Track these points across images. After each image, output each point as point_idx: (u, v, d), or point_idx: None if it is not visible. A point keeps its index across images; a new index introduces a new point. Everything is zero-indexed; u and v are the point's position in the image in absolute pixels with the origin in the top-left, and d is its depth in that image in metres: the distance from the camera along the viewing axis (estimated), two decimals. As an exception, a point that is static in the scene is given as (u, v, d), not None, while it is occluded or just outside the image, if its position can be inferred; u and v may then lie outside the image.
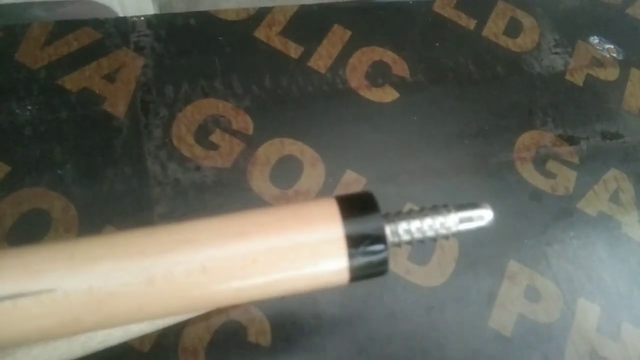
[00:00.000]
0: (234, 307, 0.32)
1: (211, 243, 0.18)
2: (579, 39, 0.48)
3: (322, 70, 0.41)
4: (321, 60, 0.42)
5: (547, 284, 0.36)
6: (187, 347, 0.31)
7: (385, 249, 0.18)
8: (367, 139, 0.39)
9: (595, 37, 0.48)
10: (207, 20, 0.42)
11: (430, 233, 0.19)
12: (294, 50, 0.42)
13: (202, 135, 0.37)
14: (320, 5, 0.44)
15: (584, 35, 0.48)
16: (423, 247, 0.36)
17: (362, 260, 0.18)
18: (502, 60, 0.45)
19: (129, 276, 0.17)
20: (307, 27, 0.43)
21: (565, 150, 0.42)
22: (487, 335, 0.34)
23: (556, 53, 0.46)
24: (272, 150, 0.37)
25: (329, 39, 0.43)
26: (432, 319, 0.34)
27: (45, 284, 0.17)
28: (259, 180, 0.36)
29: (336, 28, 0.43)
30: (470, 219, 0.19)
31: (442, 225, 0.19)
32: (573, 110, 0.44)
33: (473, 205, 0.19)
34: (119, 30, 0.40)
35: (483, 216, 0.19)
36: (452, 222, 0.19)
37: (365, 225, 0.18)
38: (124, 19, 0.41)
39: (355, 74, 0.42)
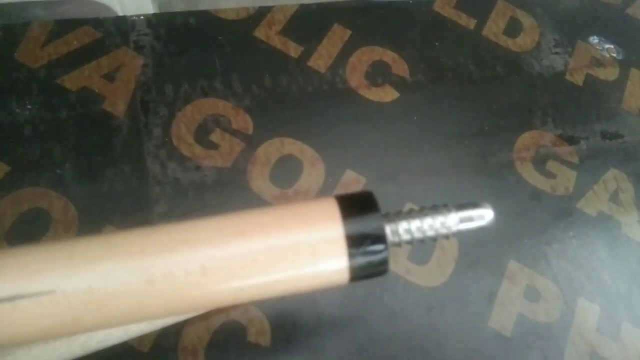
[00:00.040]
0: (234, 307, 0.32)
1: (211, 243, 0.18)
2: (578, 39, 0.48)
3: (322, 70, 0.41)
4: (321, 59, 0.42)
5: (547, 284, 0.36)
6: (186, 346, 0.31)
7: (386, 249, 0.18)
8: (367, 139, 0.39)
9: (595, 37, 0.48)
10: (207, 20, 0.42)
11: (430, 233, 0.19)
12: (293, 49, 0.42)
13: (202, 134, 0.37)
14: (320, 5, 0.44)
15: (583, 35, 0.48)
16: (423, 247, 0.36)
17: (362, 260, 0.18)
18: (502, 60, 0.45)
19: (129, 276, 0.17)
20: (307, 26, 0.43)
21: (565, 150, 0.42)
22: (487, 335, 0.34)
23: (556, 53, 0.46)
24: (271, 149, 0.37)
25: (329, 38, 0.43)
26: (432, 318, 0.34)
27: (44, 285, 0.17)
28: (259, 180, 0.36)
29: (336, 27, 0.43)
30: (470, 219, 0.19)
31: (442, 224, 0.19)
32: (573, 110, 0.44)
33: (473, 204, 0.19)
34: (119, 30, 0.40)
35: (483, 216, 0.19)
36: (453, 221, 0.19)
37: (366, 224, 0.18)
38: (124, 18, 0.41)
39: (355, 74, 0.42)
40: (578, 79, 0.45)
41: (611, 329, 0.36)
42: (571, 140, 0.42)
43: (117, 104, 0.37)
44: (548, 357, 0.34)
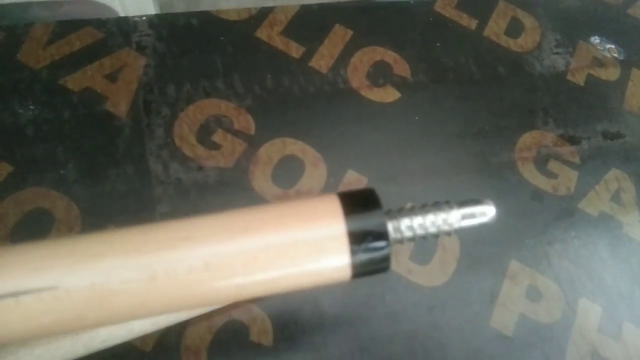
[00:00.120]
0: (236, 306, 0.32)
1: (213, 239, 0.18)
2: (580, 39, 0.48)
3: (324, 70, 0.41)
4: (322, 60, 0.42)
5: (549, 284, 0.36)
6: (189, 346, 0.31)
7: (388, 245, 0.18)
8: (368, 139, 0.39)
9: (597, 37, 0.48)
10: (209, 20, 0.42)
11: (432, 229, 0.19)
12: (295, 50, 0.42)
13: (204, 135, 0.37)
14: (321, 5, 0.44)
15: (585, 35, 0.48)
16: (425, 247, 0.36)
17: (364, 256, 0.18)
18: (503, 60, 0.45)
19: (131, 273, 0.17)
20: (308, 27, 0.43)
21: (566, 150, 0.42)
22: (488, 335, 0.34)
23: (557, 53, 0.46)
24: (273, 150, 0.38)
25: (330, 39, 0.43)
26: (434, 318, 0.34)
27: (47, 281, 0.17)
28: (261, 180, 0.36)
29: (337, 28, 0.43)
30: (472, 215, 0.19)
31: (444, 221, 0.19)
32: (574, 110, 0.44)
33: (475, 201, 0.19)
34: (121, 30, 0.40)
35: (485, 212, 0.19)
36: (455, 218, 0.19)
37: (368, 221, 0.18)
38: (126, 18, 0.41)
39: (357, 74, 0.42)
40: (579, 79, 0.46)
41: (613, 329, 0.36)
42: (573, 140, 0.42)
43: (120, 105, 0.37)
44: (549, 357, 0.34)
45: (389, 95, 0.41)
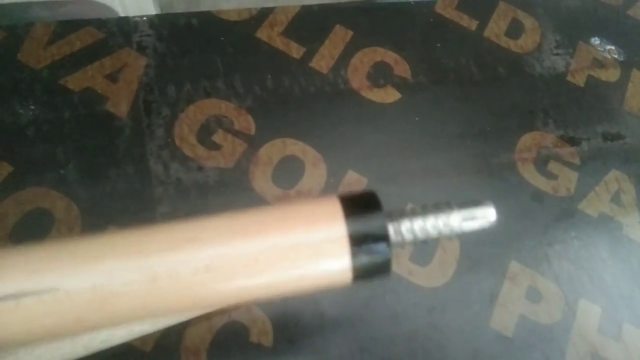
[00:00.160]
0: (236, 307, 0.32)
1: (214, 241, 0.18)
2: (580, 40, 0.48)
3: (324, 71, 0.41)
4: (323, 60, 0.42)
5: (549, 285, 0.36)
6: (189, 347, 0.31)
7: (389, 248, 0.18)
8: (368, 140, 0.39)
9: (597, 38, 0.48)
10: (209, 21, 0.42)
11: (433, 232, 0.19)
12: (295, 50, 0.42)
13: (205, 135, 0.37)
14: (321, 6, 0.44)
15: (585, 36, 0.48)
16: (425, 248, 0.36)
17: (365, 259, 0.18)
18: (503, 61, 0.45)
19: (132, 274, 0.17)
20: (308, 27, 0.43)
21: (566, 151, 0.42)
22: (488, 336, 0.34)
23: (557, 54, 0.46)
24: (274, 150, 0.38)
25: (331, 39, 0.43)
26: (434, 319, 0.34)
27: (47, 282, 0.17)
28: (261, 181, 0.36)
29: (338, 29, 0.43)
30: (473, 218, 0.19)
31: (445, 224, 0.19)
32: (574, 111, 0.44)
33: (475, 202, 0.19)
34: (122, 30, 0.40)
35: (486, 215, 0.19)
36: (456, 221, 0.19)
37: (368, 224, 0.18)
38: (127, 18, 0.41)
39: (357, 75, 0.42)
40: (579, 80, 0.46)
41: (612, 329, 0.36)
42: (572, 142, 0.42)
43: (120, 105, 0.37)
44: (549, 358, 0.34)
45: (390, 95, 0.41)
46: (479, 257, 0.36)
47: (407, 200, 0.37)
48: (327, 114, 0.40)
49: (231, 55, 0.41)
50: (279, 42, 0.42)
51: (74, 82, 0.37)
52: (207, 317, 0.32)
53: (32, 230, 0.32)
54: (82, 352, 0.27)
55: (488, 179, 0.39)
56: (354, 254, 0.18)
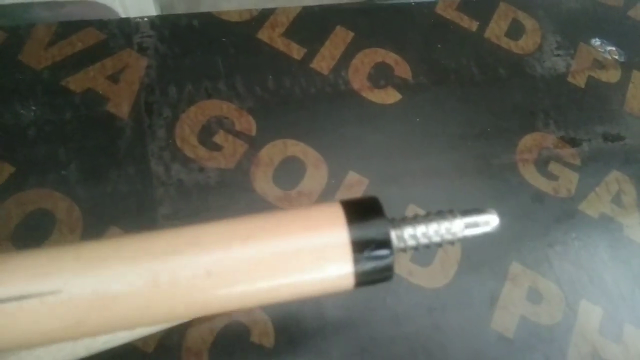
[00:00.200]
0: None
1: (216, 247, 0.18)
2: (580, 41, 0.48)
3: (325, 72, 0.41)
4: (324, 61, 0.42)
5: (549, 286, 0.36)
6: (190, 347, 0.31)
7: (391, 254, 0.18)
8: (369, 140, 0.39)
9: (597, 39, 0.48)
10: (210, 22, 0.42)
11: (436, 238, 0.19)
12: (296, 51, 0.42)
13: (206, 136, 0.37)
14: (322, 7, 0.44)
15: (585, 37, 0.48)
16: (426, 249, 0.36)
17: (367, 265, 0.18)
18: (504, 62, 0.45)
19: (134, 279, 0.17)
20: (309, 28, 0.43)
21: (567, 152, 0.42)
22: (489, 337, 0.34)
23: (558, 55, 0.46)
24: (275, 151, 0.38)
25: (332, 40, 0.43)
26: (435, 320, 0.34)
27: (50, 285, 0.17)
28: (262, 181, 0.36)
29: (338, 30, 0.43)
30: (476, 224, 0.19)
31: (447, 230, 0.19)
32: (575, 112, 0.44)
33: (478, 210, 0.19)
34: (123, 31, 0.40)
35: (489, 221, 0.19)
36: (458, 227, 0.19)
37: (371, 230, 0.18)
38: (128, 19, 0.41)
39: (358, 76, 0.42)
40: (580, 81, 0.46)
41: (613, 330, 0.36)
42: (573, 142, 0.42)
43: (121, 106, 0.37)
44: (550, 359, 0.34)
45: (390, 96, 0.41)
46: (479, 258, 0.36)
47: (408, 200, 0.37)
48: (328, 115, 0.40)
49: (232, 56, 0.41)
50: (280, 43, 0.42)
51: (75, 83, 0.37)
52: (208, 318, 0.32)
53: (33, 230, 0.32)
54: (84, 352, 0.27)
55: (489, 179, 0.40)
56: (356, 260, 0.18)
